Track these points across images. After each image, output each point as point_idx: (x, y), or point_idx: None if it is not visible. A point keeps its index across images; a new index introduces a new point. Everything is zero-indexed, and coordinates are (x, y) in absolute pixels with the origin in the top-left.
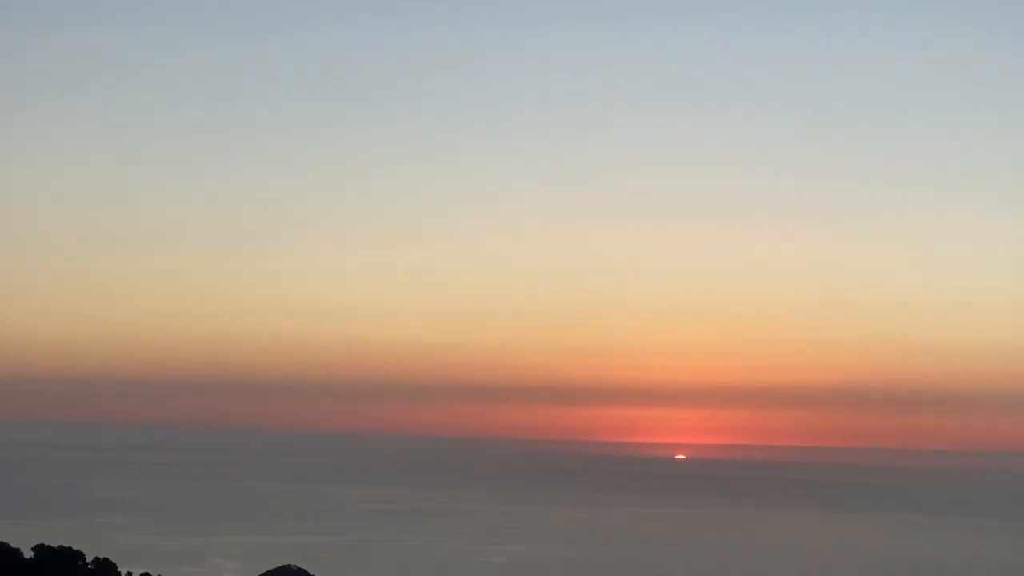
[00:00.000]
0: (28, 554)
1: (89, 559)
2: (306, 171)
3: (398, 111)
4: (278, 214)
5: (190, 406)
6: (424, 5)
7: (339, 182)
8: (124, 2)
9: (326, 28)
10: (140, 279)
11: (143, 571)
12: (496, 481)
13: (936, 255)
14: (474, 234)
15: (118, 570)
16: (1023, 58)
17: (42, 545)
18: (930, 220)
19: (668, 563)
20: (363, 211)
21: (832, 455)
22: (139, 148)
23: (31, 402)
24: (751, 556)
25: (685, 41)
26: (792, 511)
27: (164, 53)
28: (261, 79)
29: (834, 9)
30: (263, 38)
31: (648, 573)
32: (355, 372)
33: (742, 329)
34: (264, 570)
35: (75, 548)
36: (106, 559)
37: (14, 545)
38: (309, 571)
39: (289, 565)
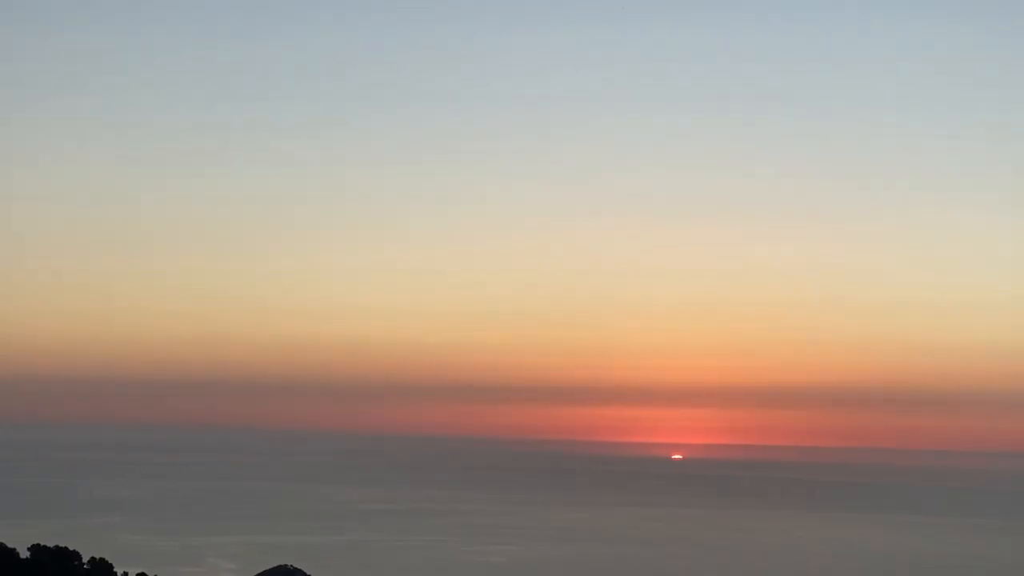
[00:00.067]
0: (24, 554)
1: (88, 559)
2: (306, 171)
3: (398, 111)
4: (278, 214)
5: (190, 406)
6: (424, 5)
7: (339, 182)
8: (124, 2)
9: (326, 28)
10: (140, 279)
11: (140, 571)
12: (495, 481)
13: (936, 255)
14: (474, 234)
15: (114, 570)
16: (1023, 58)
17: (38, 545)
18: (930, 220)
19: (668, 563)
20: (363, 211)
21: (832, 455)
22: (139, 148)
23: (31, 402)
24: (751, 556)
25: (685, 41)
26: (792, 511)
27: (164, 53)
28: (261, 79)
29: (834, 9)
30: (263, 38)
31: (648, 573)
32: (355, 372)
33: (742, 329)
34: (261, 570)
35: (73, 548)
36: (102, 559)
37: (10, 545)
38: (305, 571)
39: (285, 565)
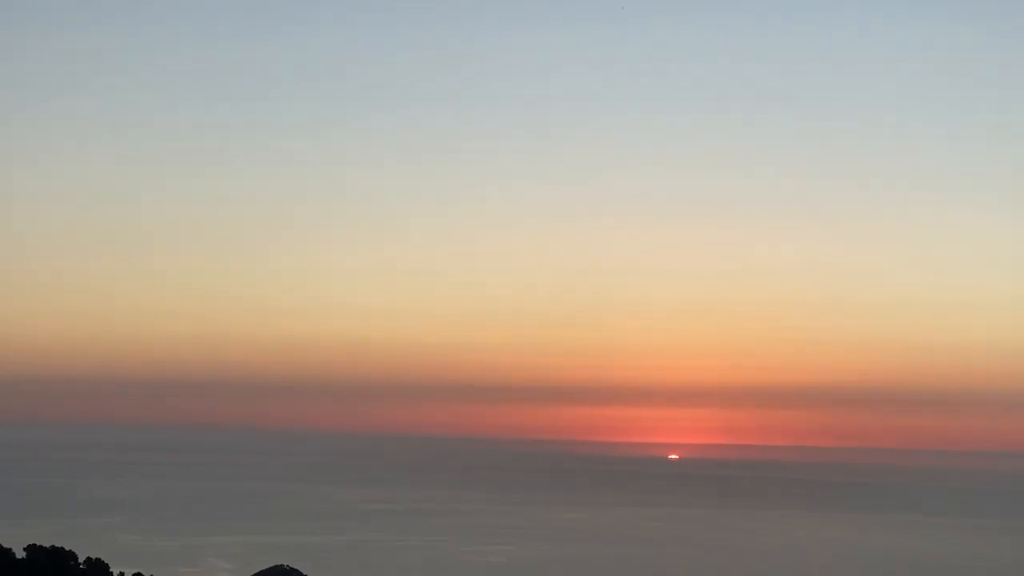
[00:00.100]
0: (20, 554)
1: (86, 559)
2: (306, 171)
3: (398, 111)
4: (278, 214)
5: (190, 406)
6: (424, 5)
7: (339, 182)
8: (124, 2)
9: (326, 28)
10: (140, 279)
11: (136, 571)
12: (495, 481)
13: (936, 255)
14: (474, 234)
15: (110, 570)
16: (1023, 58)
17: (34, 545)
18: (930, 220)
19: (668, 563)
20: (363, 211)
21: (832, 455)
22: (139, 148)
23: (31, 402)
24: (751, 556)
25: (685, 41)
26: (792, 511)
27: (164, 53)
28: (261, 79)
29: (834, 9)
30: (263, 38)
31: (648, 573)
32: (355, 372)
33: (742, 329)
34: (257, 570)
35: (71, 548)
36: (98, 559)
37: (6, 545)
38: (302, 571)
39: (281, 565)
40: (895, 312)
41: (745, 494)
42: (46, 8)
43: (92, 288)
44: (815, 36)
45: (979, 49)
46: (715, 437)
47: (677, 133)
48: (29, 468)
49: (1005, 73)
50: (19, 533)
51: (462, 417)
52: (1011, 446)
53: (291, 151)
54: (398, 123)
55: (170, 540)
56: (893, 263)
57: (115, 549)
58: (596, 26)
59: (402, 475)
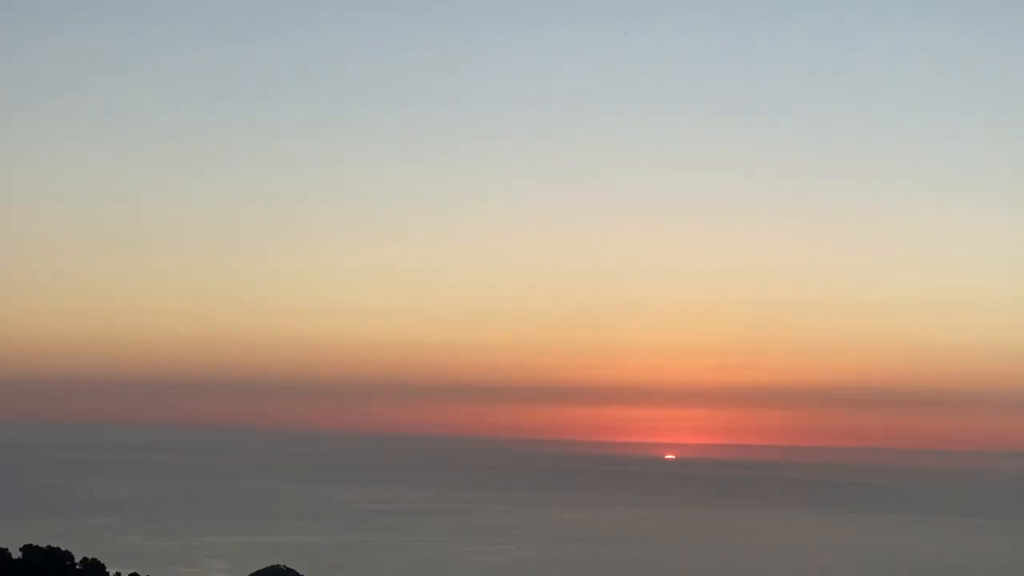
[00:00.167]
0: (16, 554)
1: (82, 559)
2: (306, 171)
3: (398, 111)
4: (278, 214)
5: (190, 406)
6: (424, 5)
7: (339, 182)
8: (124, 2)
9: (326, 28)
10: (140, 279)
11: (132, 571)
12: (495, 481)
13: (936, 255)
14: (474, 234)
15: (106, 570)
16: (1023, 58)
17: (30, 545)
18: (930, 220)
19: (668, 563)
20: (363, 211)
21: (832, 455)
22: (139, 148)
23: (31, 402)
24: (751, 556)
25: (685, 41)
26: (792, 511)
27: (164, 53)
28: (261, 79)
29: (834, 9)
30: (263, 38)
31: (648, 573)
32: (355, 372)
33: (742, 329)
34: (253, 570)
35: (71, 548)
36: (94, 559)
37: (3, 545)
38: (298, 571)
39: (278, 565)
40: (895, 312)
41: (745, 494)
42: (46, 8)
43: (92, 288)
44: (815, 36)
45: (979, 49)
46: (714, 437)
47: (677, 133)
48: (29, 468)
49: (1005, 73)
50: (18, 533)
51: (462, 417)
52: (1011, 446)
53: (291, 151)
54: (398, 123)
55: (170, 540)
56: (893, 263)
57: (114, 549)
58: (596, 26)
59: (402, 475)
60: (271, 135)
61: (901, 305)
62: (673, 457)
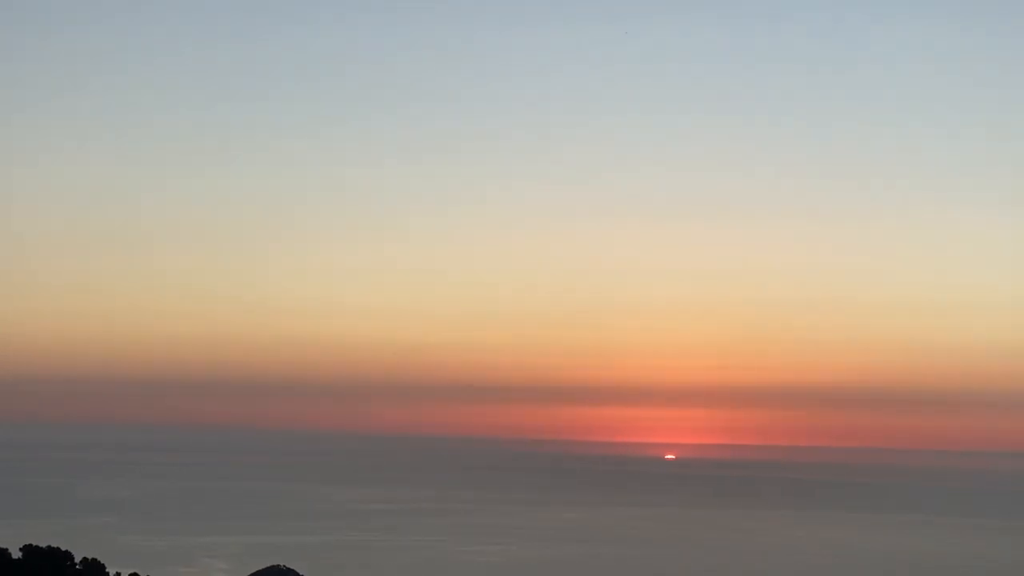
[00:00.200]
0: (16, 555)
1: (82, 559)
2: (306, 171)
3: (398, 111)
4: (278, 214)
5: (190, 406)
6: (424, 5)
7: (339, 182)
8: (124, 2)
9: (326, 28)
10: (140, 279)
11: (132, 571)
12: (495, 481)
13: (936, 255)
14: (474, 234)
15: (106, 570)
16: (1023, 58)
17: (30, 545)
18: (930, 220)
19: (668, 563)
20: (363, 211)
21: (832, 455)
22: (139, 148)
23: (31, 402)
24: (751, 556)
25: (685, 41)
26: (792, 511)
27: (164, 53)
28: (261, 79)
29: (834, 9)
30: (263, 38)
31: (648, 573)
32: (355, 372)
33: (742, 329)
34: (253, 570)
35: (70, 548)
36: (94, 559)
37: (4, 545)
38: (298, 571)
39: (278, 565)
40: (895, 312)
41: (745, 494)
42: (46, 8)
43: (92, 288)
44: (815, 36)
45: (979, 49)
46: (714, 437)
47: (677, 133)
48: (29, 468)
49: (1005, 73)
50: (18, 533)
51: (462, 417)
52: (1011, 446)
53: (291, 151)
54: (398, 123)
55: (169, 540)
56: (893, 263)
57: (114, 549)
58: (596, 26)
59: (402, 475)
60: (271, 135)
61: (901, 305)
62: (673, 457)
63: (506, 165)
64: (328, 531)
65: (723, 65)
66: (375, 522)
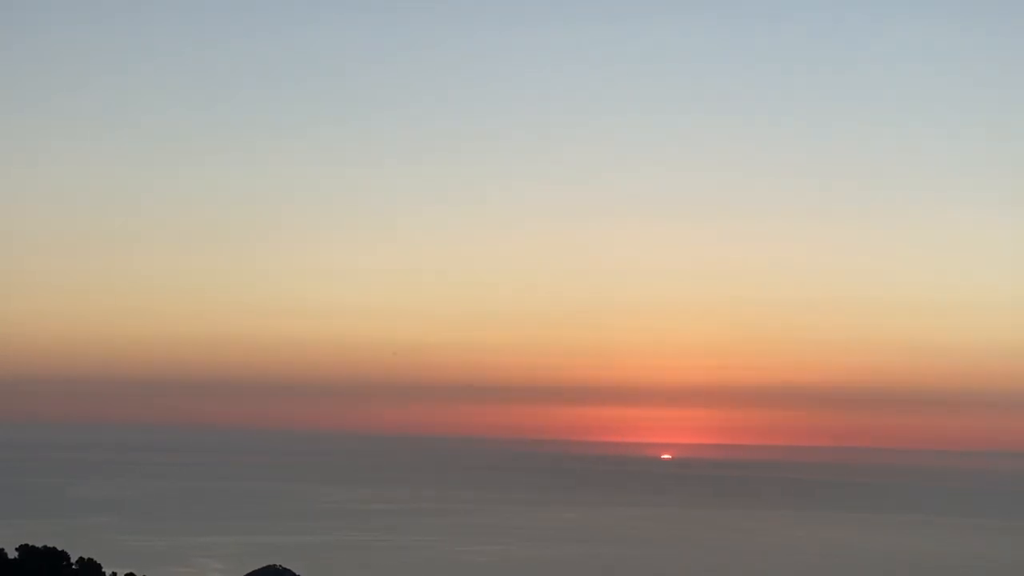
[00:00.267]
0: (13, 554)
1: (78, 559)
2: (306, 171)
3: (398, 111)
4: (278, 214)
5: (190, 406)
6: (424, 5)
7: (339, 182)
8: (124, 2)
9: (326, 28)
10: (140, 279)
11: (129, 571)
12: (495, 481)
13: (936, 255)
14: (474, 234)
15: (103, 570)
16: (1023, 58)
17: (26, 545)
18: (930, 220)
19: (668, 563)
20: (362, 211)
21: (831, 455)
22: (139, 148)
23: (31, 402)
24: (751, 556)
25: (685, 41)
26: (792, 511)
27: (164, 53)
28: (261, 79)
29: (834, 9)
30: (263, 38)
31: (648, 573)
32: (355, 372)
33: (742, 329)
34: (249, 570)
35: (70, 548)
36: (90, 559)
37: (0, 545)
38: (295, 571)
39: (274, 565)
40: (895, 312)
41: (744, 494)
42: (46, 8)
43: (92, 288)
44: (815, 36)
45: (979, 49)
46: (714, 437)
47: (677, 133)
48: (29, 468)
49: (1005, 73)
50: (18, 533)
51: (462, 417)
52: (1011, 446)
53: (291, 151)
54: (398, 123)
55: (169, 540)
56: (893, 263)
57: (113, 549)
58: (596, 26)
59: (402, 475)
60: (271, 135)
61: (901, 305)
62: (669, 457)
63: (506, 165)
64: (328, 531)
65: (723, 65)
66: (375, 522)
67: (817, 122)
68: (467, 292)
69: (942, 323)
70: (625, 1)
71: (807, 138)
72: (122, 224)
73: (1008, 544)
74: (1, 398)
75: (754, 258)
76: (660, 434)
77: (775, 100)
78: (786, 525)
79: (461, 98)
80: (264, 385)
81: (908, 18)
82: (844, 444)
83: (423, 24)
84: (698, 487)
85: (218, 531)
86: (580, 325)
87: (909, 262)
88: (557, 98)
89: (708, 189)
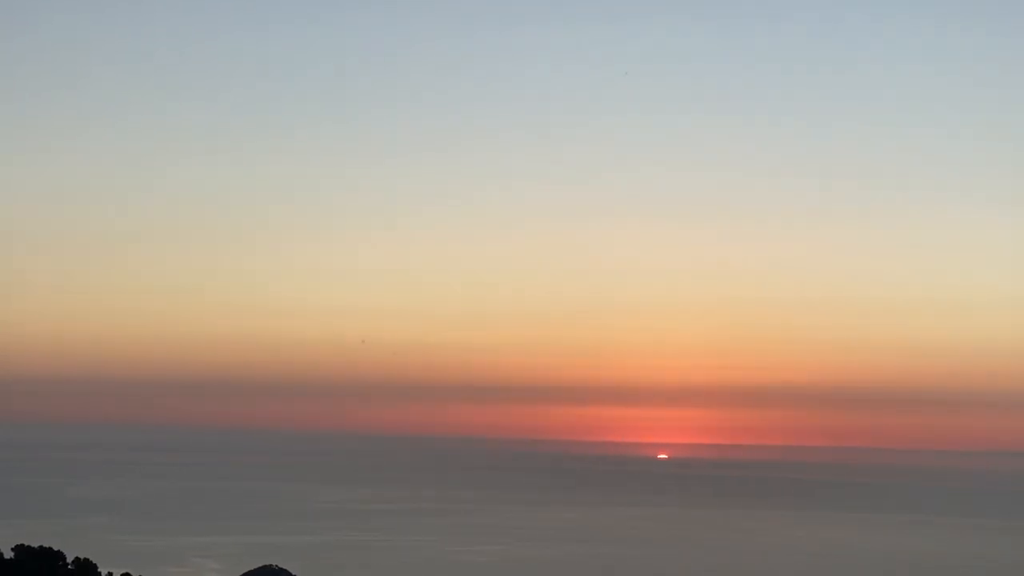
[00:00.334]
0: (8, 555)
1: (74, 559)
2: (306, 171)
3: (398, 111)
4: (278, 214)
5: (190, 406)
6: (424, 5)
7: (338, 181)
8: (124, 2)
9: (325, 27)
10: (139, 279)
11: (124, 571)
12: (495, 481)
13: (936, 255)
14: (473, 234)
15: (99, 570)
16: (1023, 58)
17: (22, 545)
18: (930, 220)
19: (668, 563)
20: (362, 211)
21: (832, 455)
22: (138, 147)
23: (31, 402)
24: (751, 556)
25: (685, 41)
26: (792, 511)
27: (164, 51)
28: (261, 79)
29: (835, 9)
30: (263, 38)
31: (648, 573)
32: (354, 372)
33: (742, 329)
34: (246, 570)
35: (69, 548)
36: (86, 559)
37: None
38: (291, 571)
39: (271, 565)
40: (895, 312)
41: (744, 494)
42: (46, 8)
43: (92, 288)
44: (815, 36)
45: (979, 49)
46: (714, 437)
47: (677, 133)
48: (28, 468)
49: (1005, 73)
50: (17, 533)
51: (462, 417)
52: (1011, 446)
53: (291, 151)
54: (398, 122)
55: (169, 540)
56: (893, 263)
57: (113, 549)
58: (596, 26)
59: (402, 475)
60: (271, 135)
61: (901, 305)
62: (665, 456)
63: (506, 165)
64: (328, 531)
65: (723, 65)
66: (375, 522)
67: (817, 122)
68: (467, 292)
69: (942, 323)
70: (625, 1)
71: (807, 138)
72: (121, 224)
73: (1008, 544)
74: (1, 398)
75: (754, 258)
76: (660, 434)
77: (775, 100)
78: (786, 525)
79: (461, 98)
80: (264, 385)
81: (908, 18)
82: (844, 444)
83: (423, 24)
84: (698, 487)
85: (218, 531)
86: (580, 325)
87: (909, 262)
88: (557, 98)
89: (708, 189)
